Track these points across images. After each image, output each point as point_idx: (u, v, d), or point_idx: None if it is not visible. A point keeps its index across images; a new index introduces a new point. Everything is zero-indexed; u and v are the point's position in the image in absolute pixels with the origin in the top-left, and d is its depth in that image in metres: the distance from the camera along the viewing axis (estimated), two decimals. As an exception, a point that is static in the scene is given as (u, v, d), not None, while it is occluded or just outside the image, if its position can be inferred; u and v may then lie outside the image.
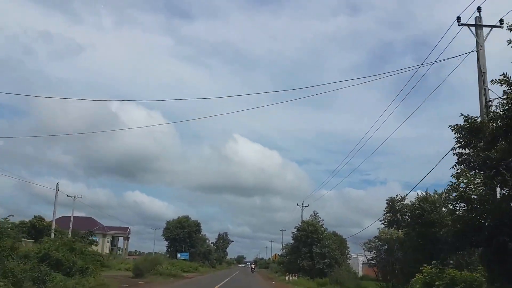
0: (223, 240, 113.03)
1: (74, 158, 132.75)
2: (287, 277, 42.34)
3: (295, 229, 45.53)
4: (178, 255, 70.02)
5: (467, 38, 14.89)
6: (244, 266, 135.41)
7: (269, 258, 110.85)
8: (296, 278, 40.44)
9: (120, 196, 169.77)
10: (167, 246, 77.96)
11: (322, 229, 43.83)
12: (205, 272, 59.83)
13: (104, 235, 69.77)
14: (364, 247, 30.32)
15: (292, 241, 47.69)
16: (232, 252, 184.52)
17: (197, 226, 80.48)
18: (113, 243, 77.72)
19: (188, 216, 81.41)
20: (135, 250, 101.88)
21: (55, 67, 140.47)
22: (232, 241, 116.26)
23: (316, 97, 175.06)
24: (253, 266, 73.47)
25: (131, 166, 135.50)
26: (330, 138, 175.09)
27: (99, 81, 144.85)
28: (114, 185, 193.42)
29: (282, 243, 75.67)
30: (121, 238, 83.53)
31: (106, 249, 66.29)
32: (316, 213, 47.76)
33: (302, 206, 61.37)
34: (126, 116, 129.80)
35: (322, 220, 46.38)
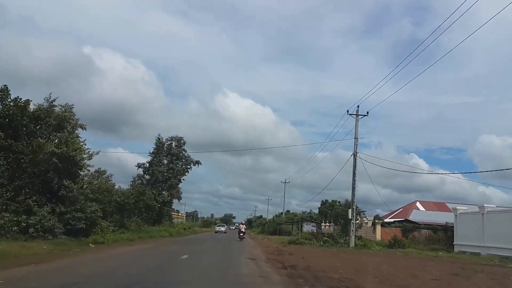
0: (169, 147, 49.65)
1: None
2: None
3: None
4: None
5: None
6: (235, 228, 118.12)
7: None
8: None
9: (100, 153, 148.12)
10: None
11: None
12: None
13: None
14: None
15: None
16: (219, 213, 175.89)
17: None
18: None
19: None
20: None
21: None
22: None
23: (311, 58, 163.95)
24: (242, 228, 43.62)
25: (112, 119, 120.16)
26: (325, 101, 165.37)
27: (74, 23, 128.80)
28: (96, 140, 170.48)
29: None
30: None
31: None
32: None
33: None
34: (103, 62, 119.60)
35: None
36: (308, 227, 70.16)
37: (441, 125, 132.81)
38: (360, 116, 32.20)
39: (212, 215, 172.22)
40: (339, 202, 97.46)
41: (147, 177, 45.40)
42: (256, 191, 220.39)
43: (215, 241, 35.30)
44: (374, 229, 43.96)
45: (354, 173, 32.38)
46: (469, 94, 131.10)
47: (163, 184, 44.96)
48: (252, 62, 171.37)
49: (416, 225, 44.22)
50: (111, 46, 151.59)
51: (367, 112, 32.65)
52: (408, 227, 43.65)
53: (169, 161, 45.84)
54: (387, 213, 54.76)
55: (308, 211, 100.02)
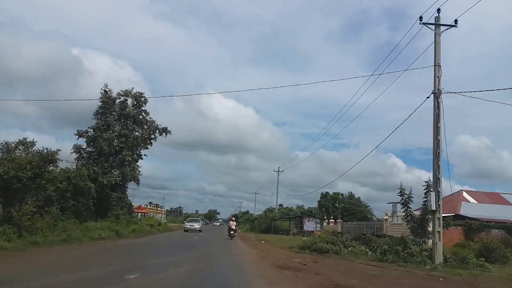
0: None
1: (38, 108, 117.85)
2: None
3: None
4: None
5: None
6: (219, 225, 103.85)
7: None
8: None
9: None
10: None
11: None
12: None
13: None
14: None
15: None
16: (204, 209, 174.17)
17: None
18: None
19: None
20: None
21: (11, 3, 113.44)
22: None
23: (293, 61, 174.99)
24: (233, 225, 36.41)
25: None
26: (306, 102, 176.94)
27: (63, 27, 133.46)
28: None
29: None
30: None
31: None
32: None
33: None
34: (91, 63, 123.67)
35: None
36: (310, 225, 56.21)
37: (418, 126, 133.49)
38: (443, 28, 17.81)
39: (197, 211, 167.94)
40: (341, 194, 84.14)
41: (89, 149, 30.25)
42: (240, 189, 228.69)
43: (187, 248, 20.52)
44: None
45: (436, 127, 17.53)
46: (445, 96, 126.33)
47: (112, 159, 29.93)
48: (236, 64, 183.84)
49: (484, 224, 30.81)
50: (99, 48, 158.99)
51: (456, 21, 18.03)
52: (473, 226, 30.08)
53: (123, 127, 30.80)
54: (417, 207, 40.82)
55: (293, 207, 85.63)
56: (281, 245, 29.56)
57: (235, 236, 35.67)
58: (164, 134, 32.75)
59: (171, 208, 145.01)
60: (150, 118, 32.70)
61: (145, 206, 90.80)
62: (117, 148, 29.33)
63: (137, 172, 30.38)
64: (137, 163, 32.12)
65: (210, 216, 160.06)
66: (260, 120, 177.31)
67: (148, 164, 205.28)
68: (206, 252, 19.10)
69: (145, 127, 32.20)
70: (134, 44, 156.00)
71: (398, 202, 40.66)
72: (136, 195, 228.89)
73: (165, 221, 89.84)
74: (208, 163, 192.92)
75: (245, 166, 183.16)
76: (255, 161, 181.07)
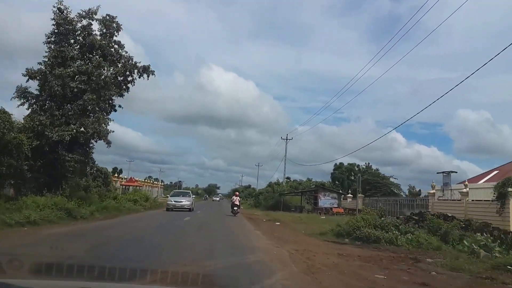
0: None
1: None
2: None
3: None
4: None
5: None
6: (219, 200, 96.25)
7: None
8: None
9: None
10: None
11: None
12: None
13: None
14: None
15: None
16: (203, 184, 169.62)
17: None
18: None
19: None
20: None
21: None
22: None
23: (293, 34, 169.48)
24: (236, 200, 31.74)
25: None
26: (307, 76, 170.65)
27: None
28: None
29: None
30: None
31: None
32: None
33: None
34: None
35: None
36: (325, 200, 48.01)
37: (418, 100, 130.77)
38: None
39: (197, 185, 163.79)
40: (358, 166, 75.21)
41: (37, 93, 21.21)
42: (240, 164, 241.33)
43: (164, 239, 11.70)
44: (503, 205, 21.25)
45: None
46: (446, 69, 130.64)
47: (69, 107, 20.95)
48: (237, 37, 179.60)
49: None
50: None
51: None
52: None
53: (86, 61, 21.67)
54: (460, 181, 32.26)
55: (304, 179, 76.60)
56: (305, 229, 21.17)
57: (238, 212, 31.51)
58: (145, 75, 23.63)
59: (171, 183, 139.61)
60: (126, 53, 23.57)
61: (138, 179, 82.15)
62: (75, 90, 20.32)
63: (103, 125, 21.32)
64: (107, 116, 23.23)
65: (210, 190, 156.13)
66: (261, 93, 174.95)
67: (148, 138, 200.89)
68: (197, 250, 10.52)
69: (119, 65, 23.11)
70: (133, 15, 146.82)
71: (452, 172, 31.32)
72: (137, 170, 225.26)
73: (162, 195, 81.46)
74: (209, 137, 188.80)
75: (246, 141, 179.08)
76: (256, 135, 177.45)
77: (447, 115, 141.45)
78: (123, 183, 66.06)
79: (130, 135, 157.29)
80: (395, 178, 59.26)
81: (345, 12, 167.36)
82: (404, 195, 52.65)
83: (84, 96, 20.50)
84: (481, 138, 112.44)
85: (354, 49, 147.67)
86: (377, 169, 64.92)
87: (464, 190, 24.12)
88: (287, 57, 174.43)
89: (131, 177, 76.88)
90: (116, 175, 69.67)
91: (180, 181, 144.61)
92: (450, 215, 19.04)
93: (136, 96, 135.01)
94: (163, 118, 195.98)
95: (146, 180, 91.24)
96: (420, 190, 67.58)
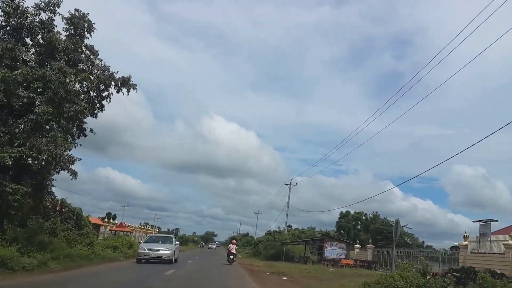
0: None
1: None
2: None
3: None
4: None
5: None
6: (215, 248, 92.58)
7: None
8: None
9: (91, 173, 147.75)
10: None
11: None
12: None
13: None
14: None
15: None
16: (201, 231, 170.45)
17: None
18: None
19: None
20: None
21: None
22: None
23: (296, 87, 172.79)
24: (233, 249, 30.18)
25: (100, 138, 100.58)
26: (307, 128, 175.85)
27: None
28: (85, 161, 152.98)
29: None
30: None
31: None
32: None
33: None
34: None
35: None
36: (332, 250, 43.37)
37: (415, 154, 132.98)
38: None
39: (194, 232, 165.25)
40: (365, 214, 69.55)
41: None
42: (238, 212, 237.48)
43: None
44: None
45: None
46: (444, 126, 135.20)
47: (15, 121, 15.88)
48: (240, 88, 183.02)
49: None
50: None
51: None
52: None
53: (40, 63, 16.95)
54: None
55: (305, 227, 70.87)
56: (320, 286, 15.93)
57: (234, 261, 30.27)
58: (124, 89, 18.93)
59: (168, 230, 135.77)
60: (101, 61, 19.00)
61: (131, 225, 76.46)
62: (25, 100, 15.60)
63: (62, 148, 16.21)
64: (74, 140, 18.38)
65: (207, 238, 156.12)
66: (261, 144, 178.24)
67: (147, 186, 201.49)
68: None
69: (95, 74, 18.52)
70: (137, 64, 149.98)
71: (493, 220, 26.72)
72: (135, 216, 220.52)
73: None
74: (208, 186, 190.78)
75: (245, 190, 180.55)
76: (255, 185, 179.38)
77: (443, 170, 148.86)
78: (112, 228, 61.09)
79: (130, 182, 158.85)
80: (409, 228, 53.92)
81: (347, 67, 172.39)
82: (421, 247, 47.07)
83: (38, 109, 15.69)
84: (475, 192, 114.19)
85: (354, 103, 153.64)
86: (386, 218, 59.60)
87: (510, 242, 19.58)
88: (288, 109, 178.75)
89: (121, 222, 72.16)
90: (106, 220, 65.13)
91: (177, 228, 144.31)
92: (498, 271, 14.25)
93: (136, 144, 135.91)
94: (162, 165, 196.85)
95: (141, 226, 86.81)
96: (423, 242, 62.43)
